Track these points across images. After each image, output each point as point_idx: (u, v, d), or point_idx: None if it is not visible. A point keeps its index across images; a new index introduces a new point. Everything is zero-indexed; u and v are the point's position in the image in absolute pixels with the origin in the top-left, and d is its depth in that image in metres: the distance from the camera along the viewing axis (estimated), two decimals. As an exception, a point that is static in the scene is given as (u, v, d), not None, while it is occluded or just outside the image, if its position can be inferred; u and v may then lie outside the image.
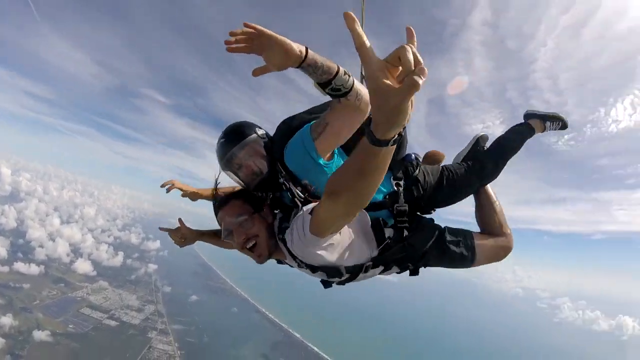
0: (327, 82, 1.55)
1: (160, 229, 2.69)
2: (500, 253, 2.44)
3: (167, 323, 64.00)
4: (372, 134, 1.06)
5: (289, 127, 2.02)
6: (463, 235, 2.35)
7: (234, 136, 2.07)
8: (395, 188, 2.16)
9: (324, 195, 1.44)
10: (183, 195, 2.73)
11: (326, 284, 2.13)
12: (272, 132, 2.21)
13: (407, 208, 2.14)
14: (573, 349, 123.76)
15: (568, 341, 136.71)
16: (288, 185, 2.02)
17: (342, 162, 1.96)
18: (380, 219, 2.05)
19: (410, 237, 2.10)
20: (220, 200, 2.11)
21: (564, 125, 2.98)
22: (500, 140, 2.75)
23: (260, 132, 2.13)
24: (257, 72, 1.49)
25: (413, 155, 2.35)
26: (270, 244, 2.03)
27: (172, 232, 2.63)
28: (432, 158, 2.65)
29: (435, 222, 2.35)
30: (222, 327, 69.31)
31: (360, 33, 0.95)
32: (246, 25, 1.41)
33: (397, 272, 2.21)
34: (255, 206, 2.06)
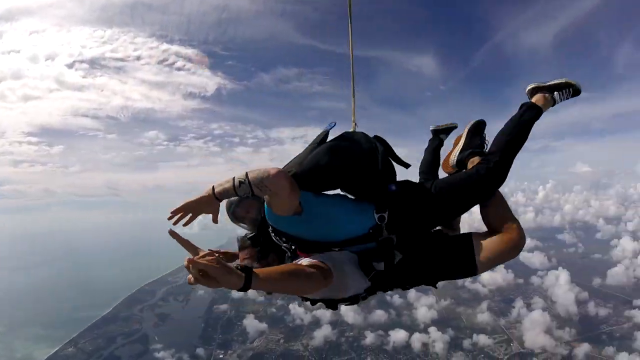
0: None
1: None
2: (509, 250, 2.15)
3: None
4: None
5: None
6: (459, 244, 2.25)
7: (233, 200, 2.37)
8: (378, 221, 2.13)
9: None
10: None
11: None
12: None
13: (394, 237, 2.15)
14: None
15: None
16: (274, 236, 2.25)
17: (320, 202, 2.17)
18: (370, 250, 2.16)
19: (402, 263, 2.17)
20: (239, 246, 2.45)
21: (576, 92, 2.59)
22: (506, 135, 2.37)
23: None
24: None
25: (393, 187, 2.25)
26: None
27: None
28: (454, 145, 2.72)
29: (432, 236, 2.32)
30: None
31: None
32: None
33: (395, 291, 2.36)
34: (262, 254, 2.33)
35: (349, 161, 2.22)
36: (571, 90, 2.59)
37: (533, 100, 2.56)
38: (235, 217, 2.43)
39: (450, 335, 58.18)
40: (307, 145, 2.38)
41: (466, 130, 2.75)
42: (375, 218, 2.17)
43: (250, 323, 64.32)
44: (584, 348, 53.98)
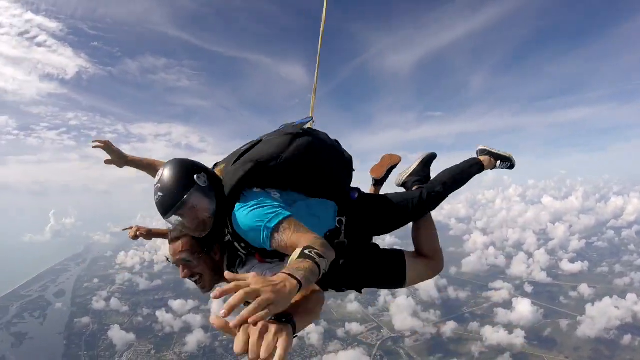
0: None
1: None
2: (430, 274, 2.62)
3: None
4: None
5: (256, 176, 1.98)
6: (394, 259, 2.53)
7: (173, 192, 1.83)
8: (337, 225, 2.27)
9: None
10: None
11: None
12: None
13: (346, 241, 2.32)
14: None
15: None
16: (232, 240, 1.98)
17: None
18: None
19: (343, 265, 2.33)
20: (172, 236, 2.10)
21: (512, 166, 3.12)
22: (452, 175, 2.81)
23: (201, 179, 1.88)
24: None
25: (356, 194, 2.51)
26: (214, 280, 2.09)
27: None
28: (387, 161, 3.06)
29: (369, 247, 2.56)
30: None
31: None
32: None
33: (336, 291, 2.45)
34: (205, 245, 2.06)
35: (333, 164, 2.37)
36: (509, 164, 3.13)
37: (480, 158, 3.05)
38: (171, 221, 1.94)
39: (324, 327, 60.08)
40: (240, 148, 2.20)
41: (420, 159, 3.09)
42: (335, 221, 2.29)
43: (117, 335, 59.52)
44: (450, 326, 60.32)
